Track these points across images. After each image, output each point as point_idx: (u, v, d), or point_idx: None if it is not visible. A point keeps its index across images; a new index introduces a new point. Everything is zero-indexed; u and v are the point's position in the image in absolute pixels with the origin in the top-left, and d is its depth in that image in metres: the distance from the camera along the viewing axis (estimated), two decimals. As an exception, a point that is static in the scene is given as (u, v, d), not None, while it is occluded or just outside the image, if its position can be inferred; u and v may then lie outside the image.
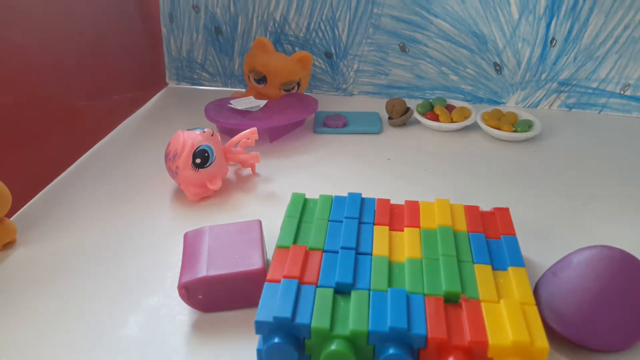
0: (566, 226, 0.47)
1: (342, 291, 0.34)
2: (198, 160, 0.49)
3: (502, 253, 0.38)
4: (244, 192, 0.52)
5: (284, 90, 0.66)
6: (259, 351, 0.32)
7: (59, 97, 0.55)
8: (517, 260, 0.37)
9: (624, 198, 0.51)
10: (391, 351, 0.31)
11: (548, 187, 0.53)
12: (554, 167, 0.56)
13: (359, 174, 0.55)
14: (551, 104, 0.69)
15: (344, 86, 0.73)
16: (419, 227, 0.40)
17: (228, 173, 0.54)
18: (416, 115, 0.64)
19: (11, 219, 0.47)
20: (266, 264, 0.38)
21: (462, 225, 0.40)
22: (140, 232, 0.46)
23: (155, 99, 0.73)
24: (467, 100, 0.71)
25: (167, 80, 0.77)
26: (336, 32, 0.69)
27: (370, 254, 0.37)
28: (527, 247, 0.42)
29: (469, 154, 0.59)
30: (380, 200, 0.43)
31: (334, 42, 0.70)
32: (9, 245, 0.45)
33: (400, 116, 0.64)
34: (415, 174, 0.55)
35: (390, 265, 0.37)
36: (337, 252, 0.37)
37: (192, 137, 0.49)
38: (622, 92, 0.66)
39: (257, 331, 0.32)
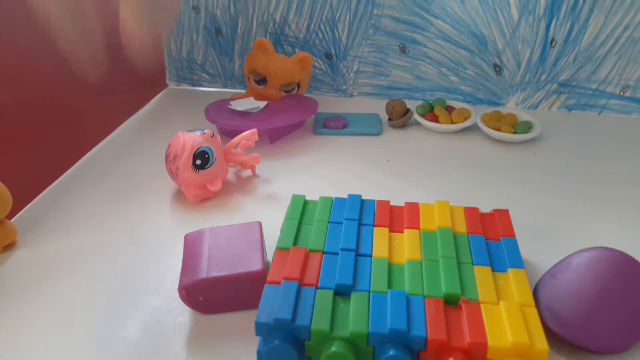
0: (566, 228, 0.47)
1: (342, 293, 0.35)
2: (198, 162, 0.49)
3: (501, 255, 0.38)
4: (244, 194, 0.52)
5: (284, 91, 0.66)
6: (259, 352, 0.33)
7: (59, 98, 0.55)
8: (517, 261, 0.37)
9: (624, 199, 0.51)
10: (391, 353, 0.31)
11: (548, 188, 0.53)
12: (553, 168, 0.56)
13: (358, 176, 0.55)
14: (551, 105, 0.69)
15: (344, 87, 0.73)
16: (418, 228, 0.40)
17: (228, 174, 0.54)
18: (416, 117, 0.64)
19: (12, 220, 0.47)
20: (266, 266, 0.38)
21: (461, 227, 0.40)
22: (140, 234, 0.46)
23: (155, 100, 0.73)
24: (467, 102, 0.71)
25: (167, 81, 0.77)
26: (336, 33, 0.69)
27: (370, 256, 0.37)
28: (527, 249, 0.42)
29: (468, 155, 0.59)
30: (380, 201, 0.43)
31: (334, 43, 0.70)
32: (9, 246, 0.45)
33: (400, 117, 0.64)
34: (415, 175, 0.55)
35: (390, 266, 0.37)
36: (337, 253, 0.37)
37: (192, 138, 0.49)
38: (621, 93, 0.66)
39: (257, 332, 0.32)
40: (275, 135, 0.61)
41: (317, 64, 0.72)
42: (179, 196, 0.52)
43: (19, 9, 0.49)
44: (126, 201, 0.51)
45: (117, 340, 0.36)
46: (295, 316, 0.32)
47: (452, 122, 0.63)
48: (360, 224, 0.40)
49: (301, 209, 0.42)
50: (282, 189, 0.53)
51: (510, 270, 0.36)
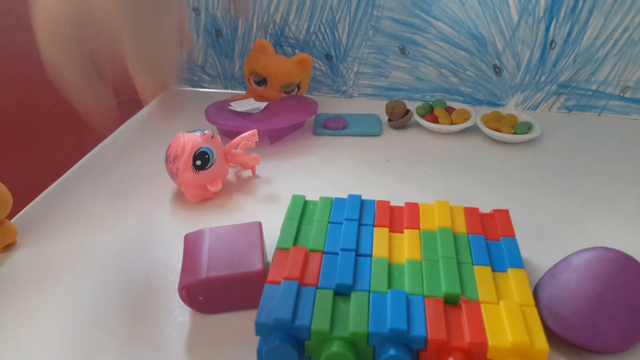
0: (566, 228, 0.47)
1: (342, 293, 0.35)
2: (198, 162, 0.49)
3: (501, 255, 0.38)
4: (244, 194, 0.52)
5: (284, 92, 0.66)
6: (259, 352, 0.33)
7: (59, 99, 0.55)
8: (517, 261, 0.37)
9: (624, 200, 0.51)
10: (391, 352, 0.31)
11: (547, 188, 0.53)
12: (553, 169, 0.56)
13: (358, 176, 0.55)
14: (551, 106, 0.69)
15: (344, 88, 0.73)
16: (418, 228, 0.40)
17: (228, 175, 0.54)
18: (416, 117, 0.64)
19: (12, 220, 0.47)
20: (266, 266, 0.38)
21: (461, 227, 0.40)
22: (140, 234, 0.46)
23: (156, 101, 0.73)
24: (467, 103, 0.71)
25: (167, 82, 0.77)
26: (336, 35, 0.70)
27: (370, 256, 0.37)
28: (527, 249, 0.42)
29: (468, 156, 0.59)
30: (380, 202, 0.43)
31: (334, 45, 0.70)
32: (9, 247, 0.45)
33: (400, 118, 0.64)
34: (415, 175, 0.55)
35: (390, 266, 0.37)
36: (337, 253, 0.37)
37: (193, 139, 0.49)
38: (621, 94, 0.66)
39: (257, 332, 0.32)
40: (276, 136, 0.61)
41: (317, 65, 0.72)
42: (179, 196, 0.52)
43: (19, 12, 0.49)
44: (126, 201, 0.51)
45: (117, 340, 0.36)
46: (295, 316, 0.32)
47: (452, 123, 0.63)
48: (360, 224, 0.40)
49: (301, 209, 0.42)
50: (282, 190, 0.53)
51: (510, 271, 0.36)
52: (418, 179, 0.55)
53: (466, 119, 0.63)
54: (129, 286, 0.41)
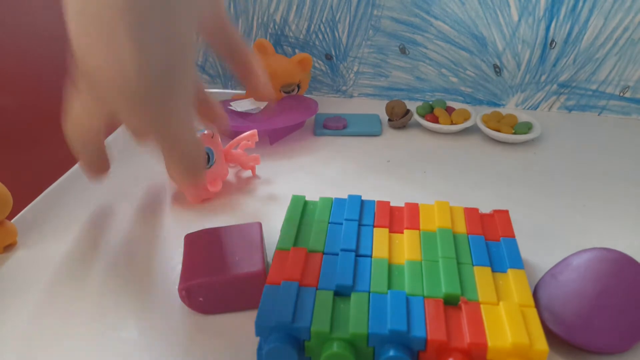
0: (566, 228, 0.47)
1: (342, 293, 0.35)
2: (198, 163, 0.49)
3: (501, 255, 0.38)
4: (244, 194, 0.52)
5: (284, 92, 0.66)
6: (259, 353, 0.33)
7: (60, 99, 0.56)
8: (517, 262, 0.37)
9: (624, 200, 0.51)
10: (391, 353, 0.31)
11: (547, 189, 0.53)
12: (553, 169, 0.56)
13: (358, 176, 0.55)
14: (551, 106, 0.69)
15: (344, 88, 0.73)
16: (418, 229, 0.40)
17: (228, 175, 0.54)
18: (416, 117, 0.64)
19: (12, 221, 0.47)
20: (266, 266, 0.38)
21: (461, 228, 0.40)
22: (140, 234, 0.46)
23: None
24: (467, 102, 0.71)
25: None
26: (336, 34, 0.70)
27: (370, 256, 0.37)
28: (527, 249, 0.42)
29: (468, 156, 0.59)
30: (380, 202, 0.43)
31: (334, 44, 0.70)
32: (9, 247, 0.45)
33: (400, 118, 0.64)
34: (414, 176, 0.55)
35: (390, 267, 0.37)
36: (337, 254, 0.37)
37: (193, 139, 0.49)
38: (621, 94, 0.66)
39: (257, 333, 0.32)
40: (275, 136, 0.61)
41: (317, 65, 0.72)
42: (179, 196, 0.52)
43: (20, 14, 0.49)
44: (126, 201, 0.51)
45: (117, 340, 0.36)
46: (295, 317, 0.32)
47: (452, 123, 0.63)
48: (360, 225, 0.40)
49: (301, 209, 0.42)
50: (282, 190, 0.53)
51: (510, 271, 0.36)
52: (418, 179, 0.55)
53: (466, 119, 0.63)
54: (129, 286, 0.41)
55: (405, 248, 0.38)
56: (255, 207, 0.50)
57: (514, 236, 0.39)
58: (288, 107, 0.63)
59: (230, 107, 0.62)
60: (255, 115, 0.61)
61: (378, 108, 0.69)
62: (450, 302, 0.34)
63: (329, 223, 0.40)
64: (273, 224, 0.44)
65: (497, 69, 0.68)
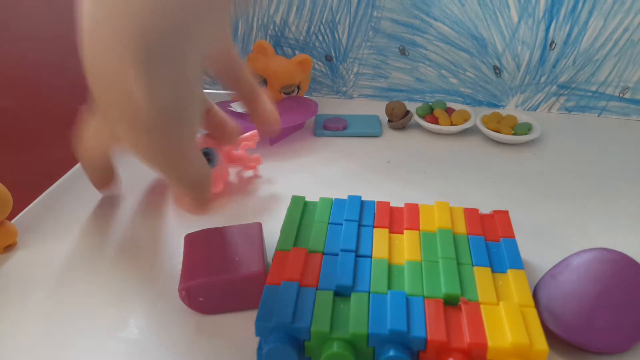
0: (565, 229, 0.47)
1: (341, 294, 0.35)
2: (198, 163, 0.49)
3: (501, 256, 0.38)
4: (244, 195, 0.52)
5: (284, 93, 0.66)
6: (259, 353, 0.33)
7: (60, 99, 0.56)
8: (517, 262, 0.37)
9: (624, 201, 0.51)
10: (391, 353, 0.31)
11: (547, 189, 0.53)
12: (553, 170, 0.56)
13: (358, 177, 0.55)
14: (550, 107, 0.69)
15: (344, 89, 0.73)
16: (418, 229, 0.40)
17: (229, 175, 0.54)
18: (416, 118, 0.64)
19: (12, 221, 0.47)
20: (266, 267, 0.38)
21: (461, 228, 0.40)
22: (140, 234, 0.46)
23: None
24: (467, 103, 0.71)
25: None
26: (336, 35, 0.70)
27: (370, 257, 0.37)
28: (527, 250, 0.42)
29: (468, 156, 0.59)
30: (380, 202, 0.43)
31: (334, 45, 0.70)
32: (9, 248, 0.45)
33: (400, 119, 0.64)
34: (414, 176, 0.55)
35: (390, 267, 0.37)
36: (337, 254, 0.37)
37: (193, 139, 0.49)
38: (621, 95, 0.66)
39: (257, 333, 0.32)
40: (276, 137, 0.61)
41: (317, 66, 0.72)
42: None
43: (20, 14, 0.49)
44: (126, 202, 0.51)
45: (117, 340, 0.36)
46: (295, 317, 0.32)
47: (451, 124, 0.63)
48: (360, 225, 0.40)
49: (301, 210, 0.42)
50: (283, 190, 0.53)
51: (510, 271, 0.36)
52: (418, 179, 0.55)
53: (466, 120, 0.63)
54: (129, 287, 0.41)
55: (405, 248, 0.38)
56: (255, 207, 0.50)
57: (513, 236, 0.39)
58: (288, 108, 0.63)
59: (230, 108, 0.62)
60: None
61: (378, 109, 0.69)
62: (450, 303, 0.34)
63: (329, 223, 0.40)
64: (273, 224, 0.44)
65: (497, 70, 0.68)
